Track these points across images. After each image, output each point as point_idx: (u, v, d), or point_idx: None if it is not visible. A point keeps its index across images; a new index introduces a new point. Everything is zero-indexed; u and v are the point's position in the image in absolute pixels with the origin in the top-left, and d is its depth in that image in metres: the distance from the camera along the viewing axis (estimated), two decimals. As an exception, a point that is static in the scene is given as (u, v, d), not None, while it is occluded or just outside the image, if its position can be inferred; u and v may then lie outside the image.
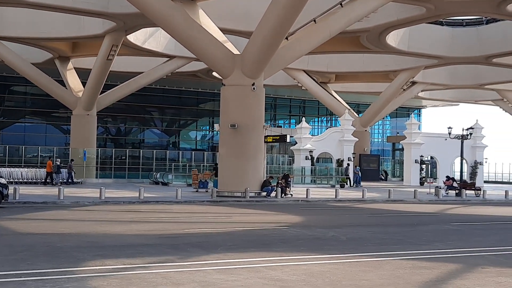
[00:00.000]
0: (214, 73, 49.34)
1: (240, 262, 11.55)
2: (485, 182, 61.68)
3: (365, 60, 53.73)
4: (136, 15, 35.09)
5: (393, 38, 45.54)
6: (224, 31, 33.96)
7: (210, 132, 72.81)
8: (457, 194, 36.21)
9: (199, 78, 59.44)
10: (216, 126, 63.76)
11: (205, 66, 47.14)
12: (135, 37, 43.75)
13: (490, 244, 14.94)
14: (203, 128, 73.98)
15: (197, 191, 33.42)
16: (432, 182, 38.89)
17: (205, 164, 48.68)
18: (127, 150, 53.58)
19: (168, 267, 10.97)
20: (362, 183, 47.31)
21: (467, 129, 37.63)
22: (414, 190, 34.42)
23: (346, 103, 62.48)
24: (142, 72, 50.73)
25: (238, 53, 30.50)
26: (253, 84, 29.49)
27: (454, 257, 12.86)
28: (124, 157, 50.04)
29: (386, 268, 11.35)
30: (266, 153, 35.66)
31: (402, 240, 15.73)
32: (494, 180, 73.51)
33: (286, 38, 30.64)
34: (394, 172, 72.12)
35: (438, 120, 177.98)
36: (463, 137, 37.41)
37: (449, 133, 38.18)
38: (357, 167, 50.22)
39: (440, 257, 12.76)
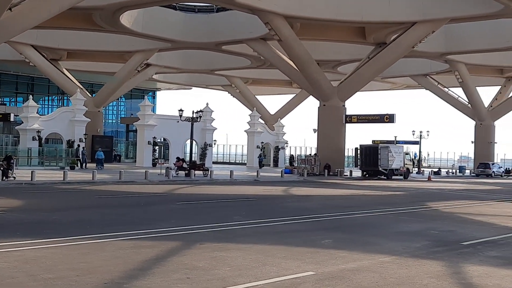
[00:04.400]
0: None
1: None
2: (214, 163, 65.08)
3: (99, 39, 52.26)
4: None
5: (127, 19, 45.13)
6: None
7: None
8: (186, 175, 37.40)
9: None
10: None
11: None
12: None
13: (211, 221, 15.56)
14: None
15: None
16: (163, 163, 39.55)
17: None
18: None
19: None
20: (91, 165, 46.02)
21: (197, 112, 39.03)
22: (146, 171, 34.68)
23: (79, 82, 60.39)
24: None
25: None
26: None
27: (176, 235, 13.08)
28: None
29: (107, 250, 11.04)
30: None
31: (127, 220, 15.58)
32: (222, 161, 78.00)
33: (10, 9, 28.23)
34: (127, 154, 72.08)
35: (172, 102, 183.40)
36: (193, 120, 38.70)
37: (180, 116, 39.21)
38: (84, 148, 48.71)
39: (163, 236, 12.85)
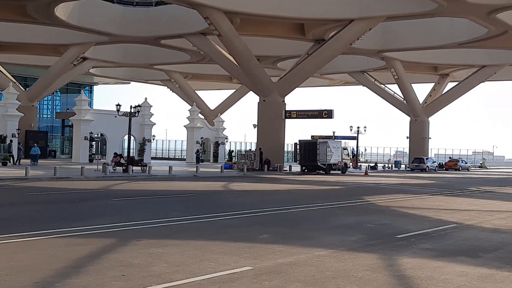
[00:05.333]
0: None
1: None
2: (153, 158, 64.41)
3: (33, 31, 50.57)
4: None
5: (62, 11, 43.90)
6: None
7: None
8: (124, 170, 36.79)
9: None
10: None
11: None
12: None
13: (148, 217, 15.31)
14: None
15: None
16: (100, 159, 38.76)
17: None
18: None
19: None
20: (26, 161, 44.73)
21: (135, 107, 38.42)
22: (82, 167, 33.87)
23: (12, 75, 58.48)
24: None
25: None
26: None
27: (111, 231, 12.81)
28: None
29: (39, 248, 10.69)
30: None
31: (60, 217, 15.15)
32: (161, 156, 77.27)
33: None
34: (63, 149, 70.39)
35: (110, 97, 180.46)
36: (131, 115, 38.09)
37: (118, 110, 38.50)
38: (20, 144, 47.29)
39: (97, 233, 12.56)
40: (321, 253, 10.93)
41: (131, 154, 41.71)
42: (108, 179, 31.94)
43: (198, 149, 58.95)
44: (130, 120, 38.07)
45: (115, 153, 39.69)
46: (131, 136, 59.35)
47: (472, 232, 14.47)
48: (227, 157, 63.07)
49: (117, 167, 37.60)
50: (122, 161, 38.16)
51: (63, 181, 29.29)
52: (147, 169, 37.56)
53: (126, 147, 60.86)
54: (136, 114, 38.46)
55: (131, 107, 38.31)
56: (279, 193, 26.07)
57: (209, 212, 16.80)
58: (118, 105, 38.20)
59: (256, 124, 50.41)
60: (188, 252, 10.54)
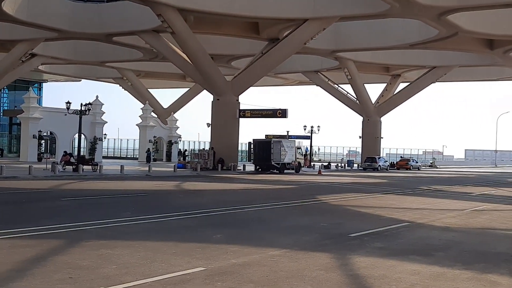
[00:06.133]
0: None
1: None
2: (104, 157, 63.28)
3: (-21, 26, 48.95)
4: None
5: (10, 5, 42.57)
6: None
7: None
8: (74, 170, 35.97)
9: None
10: None
11: None
12: None
13: (98, 218, 14.89)
14: None
15: None
16: (49, 158, 37.78)
17: None
18: None
19: None
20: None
21: (85, 105, 37.58)
22: (30, 166, 32.94)
23: (-43, 71, 56.49)
24: None
25: None
26: None
27: (59, 233, 12.40)
28: None
29: (-19, 250, 10.21)
30: None
31: (4, 219, 14.61)
32: (113, 155, 76.07)
33: None
34: (11, 148, 68.53)
35: (60, 95, 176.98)
36: (81, 113, 37.26)
37: (68, 108, 37.64)
38: None
39: (44, 234, 12.13)
40: (274, 253, 10.82)
41: (82, 153, 40.79)
42: (57, 178, 31.13)
43: (148, 148, 58.16)
44: (80, 118, 37.25)
45: (65, 152, 38.75)
46: (82, 135, 58.50)
47: (424, 231, 14.62)
48: (180, 156, 62.59)
49: (66, 166, 36.72)
50: (72, 160, 37.29)
51: (9, 181, 28.41)
52: (98, 168, 36.82)
53: (77, 146, 59.79)
54: (87, 112, 37.65)
55: (81, 105, 37.48)
56: (232, 193, 25.90)
57: (161, 212, 16.48)
58: (68, 102, 37.35)
59: (210, 123, 50.06)
60: (138, 254, 10.25)
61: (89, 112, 38.07)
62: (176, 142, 66.95)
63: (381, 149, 71.48)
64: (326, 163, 63.73)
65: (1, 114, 76.01)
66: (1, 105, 78.54)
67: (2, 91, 77.15)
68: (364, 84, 64.07)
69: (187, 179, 34.87)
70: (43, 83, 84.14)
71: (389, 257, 10.85)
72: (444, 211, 19.73)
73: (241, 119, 49.14)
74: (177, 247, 11.08)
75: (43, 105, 63.26)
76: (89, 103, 37.65)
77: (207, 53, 45.64)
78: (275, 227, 14.44)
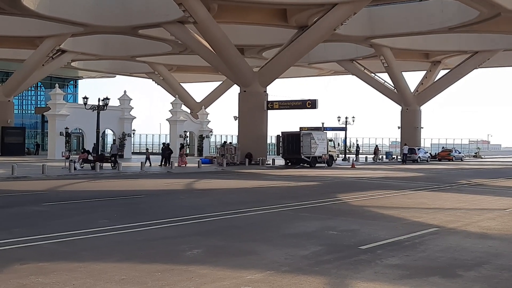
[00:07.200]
0: None
1: None
2: (134, 153, 62.12)
3: (5, 23, 48.03)
4: None
5: (31, 1, 41.39)
6: None
7: None
8: (92, 168, 34.45)
9: None
10: None
11: None
12: None
13: (62, 228, 12.53)
14: None
15: None
16: (67, 156, 36.33)
17: None
18: None
19: None
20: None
21: (103, 100, 35.95)
22: (43, 165, 31.48)
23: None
24: None
25: None
26: None
27: None
28: None
29: None
30: None
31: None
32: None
33: None
34: (43, 146, 68.13)
35: (95, 91, 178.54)
36: (99, 108, 35.71)
37: (85, 104, 36.12)
38: None
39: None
40: (254, 277, 8.60)
41: (105, 150, 39.31)
42: (69, 177, 29.49)
43: (163, 143, 55.16)
44: (98, 113, 35.70)
45: (83, 149, 37.32)
46: (110, 131, 57.26)
47: (454, 239, 12.18)
48: (212, 150, 60.48)
49: (84, 164, 35.24)
50: (90, 157, 35.79)
51: (19, 181, 26.90)
52: (117, 165, 35.13)
53: (109, 142, 58.60)
54: (105, 107, 36.00)
55: (99, 100, 35.90)
56: (243, 192, 23.66)
57: (146, 219, 14.29)
58: (85, 98, 35.85)
59: (237, 116, 47.95)
60: (75, 281, 8.10)
61: (107, 107, 36.37)
62: (208, 136, 65.16)
63: (422, 140, 68.19)
64: (354, 156, 60.45)
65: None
66: (39, 102, 78.24)
67: (39, 89, 76.96)
68: (402, 72, 60.93)
69: (206, 175, 32.87)
70: (79, 80, 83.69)
71: (403, 280, 8.54)
72: (482, 212, 17.13)
73: (271, 112, 46.95)
74: (132, 270, 8.93)
75: (78, 102, 62.35)
76: (107, 98, 35.97)
77: (232, 43, 43.49)
78: (273, 236, 12.22)
